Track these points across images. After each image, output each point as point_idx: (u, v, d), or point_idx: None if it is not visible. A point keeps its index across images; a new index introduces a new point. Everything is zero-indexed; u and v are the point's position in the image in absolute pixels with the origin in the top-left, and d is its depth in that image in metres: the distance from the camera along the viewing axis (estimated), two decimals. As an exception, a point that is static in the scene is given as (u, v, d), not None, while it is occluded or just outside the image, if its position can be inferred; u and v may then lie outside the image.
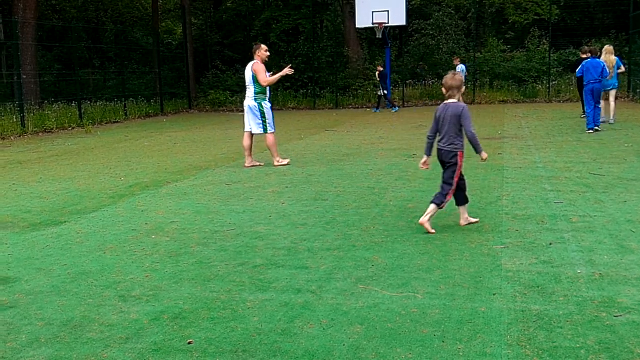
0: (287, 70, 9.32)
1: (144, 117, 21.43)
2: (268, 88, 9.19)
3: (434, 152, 5.53)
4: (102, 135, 15.39)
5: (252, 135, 9.31)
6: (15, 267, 4.63)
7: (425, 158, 5.54)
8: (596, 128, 12.06)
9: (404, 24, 21.72)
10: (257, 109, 9.17)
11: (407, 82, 24.30)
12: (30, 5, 19.60)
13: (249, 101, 9.20)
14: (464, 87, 5.44)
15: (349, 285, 3.99)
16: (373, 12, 20.95)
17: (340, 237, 5.18)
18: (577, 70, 13.78)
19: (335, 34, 27.06)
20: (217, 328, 3.39)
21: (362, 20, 21.44)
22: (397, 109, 20.63)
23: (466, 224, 5.37)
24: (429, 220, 5.16)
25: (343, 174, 8.33)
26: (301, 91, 24.85)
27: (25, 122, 16.49)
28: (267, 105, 9.24)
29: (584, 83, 12.34)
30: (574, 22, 28.14)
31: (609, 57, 13.29)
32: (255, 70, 9.00)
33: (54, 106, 19.28)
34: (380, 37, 21.55)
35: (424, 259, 4.48)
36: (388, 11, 20.84)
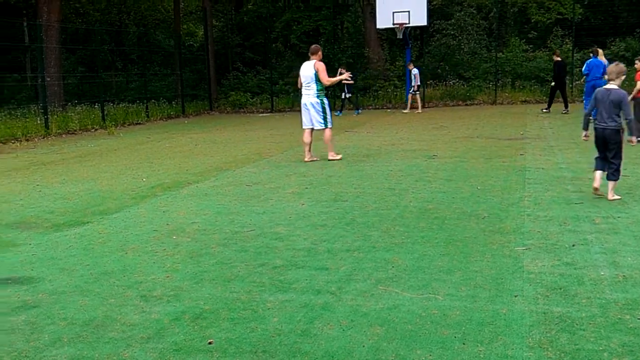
0: (345, 75, 10.15)
1: (165, 118, 21.60)
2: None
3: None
4: (124, 137, 15.54)
5: (312, 131, 9.73)
6: (39, 267, 4.70)
7: (584, 132, 6.70)
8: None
9: (425, 24, 21.62)
10: (320, 105, 9.62)
11: (428, 82, 24.18)
12: (54, 8, 19.87)
13: (311, 98, 9.61)
14: (624, 76, 6.33)
15: (368, 287, 3.98)
16: (394, 13, 20.88)
17: (360, 238, 5.17)
18: (583, 68, 15.16)
19: (356, 35, 27.05)
20: (237, 328, 3.40)
21: (383, 20, 21.37)
22: (360, 111, 20.59)
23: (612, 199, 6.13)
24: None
25: (363, 174, 8.31)
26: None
27: (49, 123, 16.71)
28: (327, 101, 9.76)
29: (587, 80, 14.59)
30: (598, 21, 27.79)
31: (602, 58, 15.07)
32: (318, 69, 9.45)
33: (77, 108, 19.51)
34: (401, 37, 21.47)
35: (444, 260, 4.46)
36: (409, 11, 20.75)
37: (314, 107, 9.62)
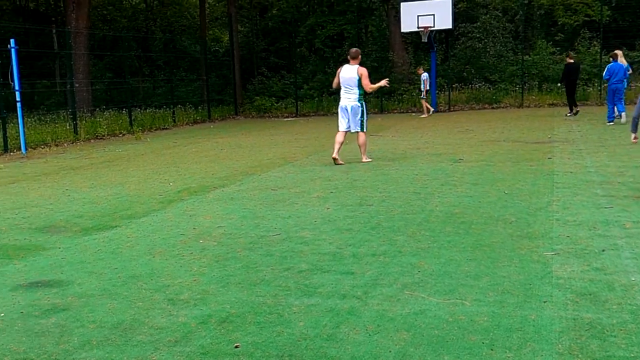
0: (384, 82, 10.29)
1: (191, 123, 21.80)
2: None
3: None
4: (151, 142, 15.71)
5: (346, 133, 9.95)
6: (68, 270, 4.76)
7: (633, 135, 6.79)
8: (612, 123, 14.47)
9: (450, 27, 21.50)
10: (360, 109, 9.83)
11: (453, 85, 24.04)
12: (83, 15, 20.19)
13: (352, 102, 9.80)
14: None
15: (394, 291, 3.96)
16: (418, 16, 20.80)
17: (385, 242, 5.15)
18: (604, 74, 15.32)
19: (380, 39, 26.98)
20: (264, 332, 3.41)
21: (407, 24, 21.30)
22: None
23: None
24: None
25: (388, 178, 8.28)
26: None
27: (78, 129, 16.98)
28: (365, 106, 10.03)
29: (608, 83, 14.83)
30: (626, 23, 27.32)
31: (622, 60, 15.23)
32: (362, 74, 9.66)
33: (105, 113, 19.79)
34: (426, 40, 21.38)
35: (471, 265, 4.42)
36: (434, 15, 20.65)
37: (354, 110, 9.81)
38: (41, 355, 3.24)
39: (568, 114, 17.25)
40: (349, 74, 9.74)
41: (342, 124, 9.94)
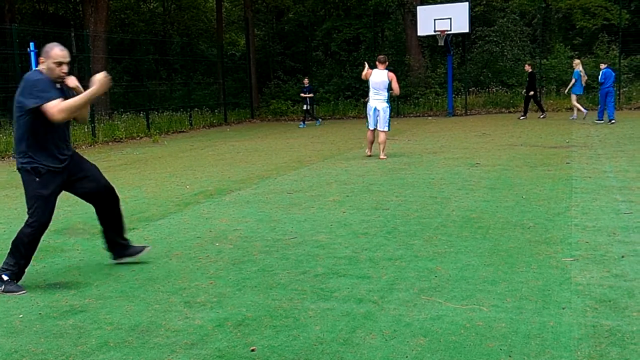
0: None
1: (208, 126, 21.89)
2: None
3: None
4: (168, 145, 15.80)
5: (374, 131, 11.04)
6: (86, 272, 4.80)
7: None
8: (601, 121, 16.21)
9: (467, 31, 21.41)
10: (388, 110, 10.96)
11: (470, 89, 23.92)
12: (101, 19, 20.39)
13: (382, 103, 10.84)
14: None
15: (411, 296, 3.94)
16: (435, 20, 20.75)
17: (401, 246, 5.13)
18: (599, 77, 16.65)
19: (396, 42, 26.94)
20: (280, 336, 3.40)
21: (424, 28, 21.24)
22: (304, 125, 19.94)
23: None
24: None
25: (404, 183, 8.26)
26: (362, 100, 24.84)
27: (96, 131, 17.12)
28: (390, 107, 11.22)
29: (605, 88, 16.25)
30: (646, 26, 27.06)
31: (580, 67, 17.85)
32: (392, 78, 10.76)
33: (122, 116, 19.95)
34: (442, 44, 21.31)
35: (488, 271, 4.38)
36: (450, 18, 20.59)
37: (384, 111, 10.83)
38: (59, 356, 3.26)
39: (541, 116, 19.10)
40: (380, 78, 10.74)
41: (371, 123, 11.00)
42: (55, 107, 4.22)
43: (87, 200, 4.86)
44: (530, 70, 19.20)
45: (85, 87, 4.49)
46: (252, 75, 25.96)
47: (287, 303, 3.91)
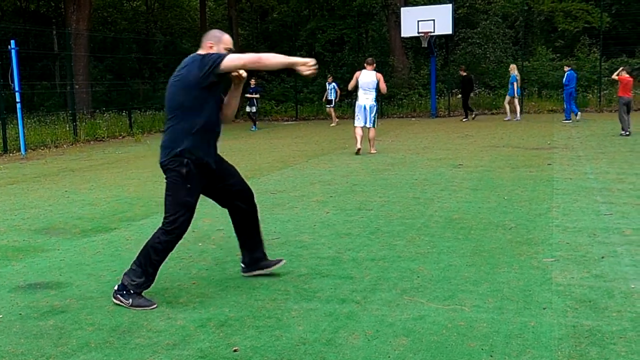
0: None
1: (191, 126, 21.74)
2: None
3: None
4: (151, 144, 15.70)
5: (362, 128, 11.62)
6: (67, 272, 4.75)
7: None
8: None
9: (450, 32, 21.54)
10: (376, 108, 11.69)
11: (453, 91, 24.06)
12: (83, 17, 20.21)
13: (370, 101, 11.51)
14: None
15: (394, 296, 3.96)
16: (418, 21, 20.84)
17: (384, 247, 5.14)
18: (564, 79, 17.92)
19: (380, 43, 27.02)
20: (262, 336, 3.40)
21: (408, 29, 21.33)
22: (255, 128, 19.46)
23: None
24: None
25: (387, 183, 8.28)
26: (345, 101, 24.89)
27: (78, 130, 16.97)
28: (377, 105, 12.07)
29: (569, 89, 17.64)
30: (626, 30, 27.39)
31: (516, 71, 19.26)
32: (380, 79, 11.44)
33: (105, 115, 19.77)
34: (426, 46, 21.41)
35: (470, 271, 4.41)
36: (434, 20, 20.70)
37: (371, 109, 11.51)
38: (39, 357, 3.23)
39: (464, 119, 20.19)
40: (369, 78, 11.41)
41: (360, 120, 11.56)
42: (236, 55, 3.84)
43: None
44: (464, 74, 20.33)
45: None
46: (236, 75, 25.83)
47: (270, 303, 3.91)
